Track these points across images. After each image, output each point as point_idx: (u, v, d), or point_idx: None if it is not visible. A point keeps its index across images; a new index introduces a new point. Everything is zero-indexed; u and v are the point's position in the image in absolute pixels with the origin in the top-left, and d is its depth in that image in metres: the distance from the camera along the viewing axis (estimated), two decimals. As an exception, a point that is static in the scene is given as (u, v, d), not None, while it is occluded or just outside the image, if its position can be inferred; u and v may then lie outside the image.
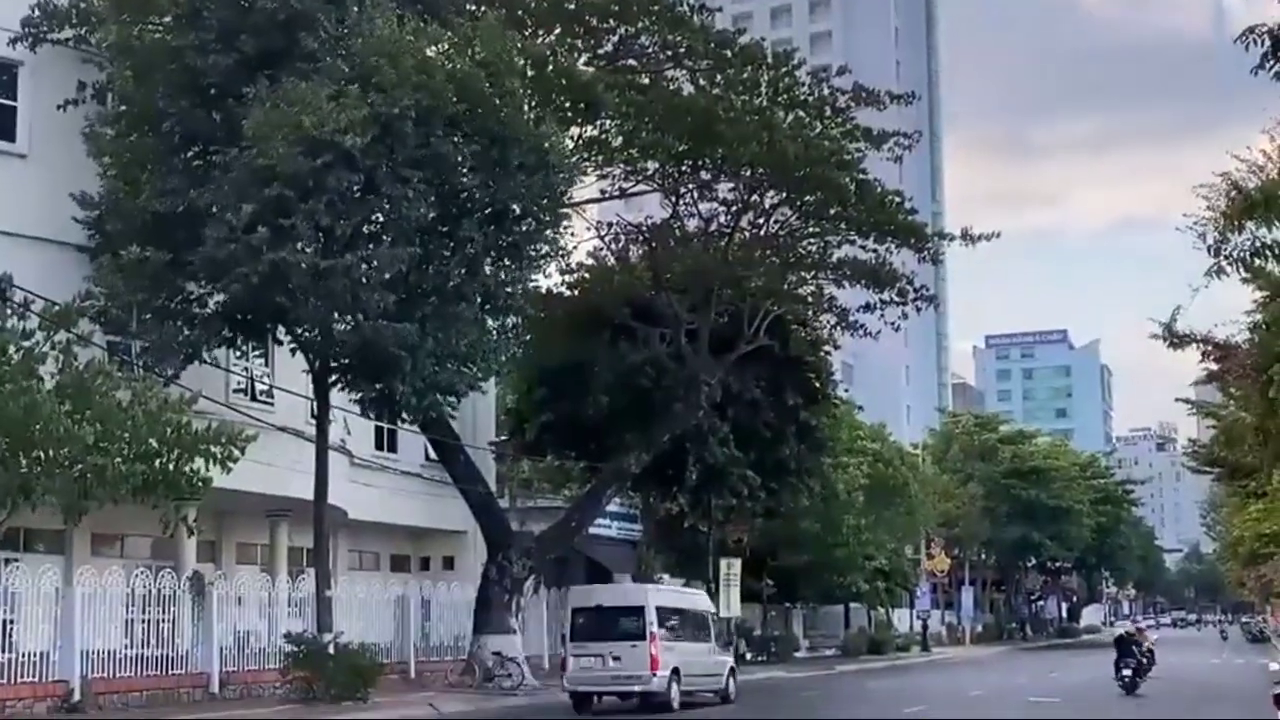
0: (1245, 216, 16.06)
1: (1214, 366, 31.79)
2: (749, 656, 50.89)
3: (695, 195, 39.24)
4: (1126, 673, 34.86)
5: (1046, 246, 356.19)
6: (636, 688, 27.88)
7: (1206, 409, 44.10)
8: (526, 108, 27.05)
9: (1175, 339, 27.83)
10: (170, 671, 26.92)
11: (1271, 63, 14.76)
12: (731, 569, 46.51)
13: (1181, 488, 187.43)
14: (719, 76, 34.98)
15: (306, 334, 25.80)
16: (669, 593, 32.07)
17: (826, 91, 35.86)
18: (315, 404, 28.09)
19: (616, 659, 28.00)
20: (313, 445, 27.91)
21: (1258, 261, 16.47)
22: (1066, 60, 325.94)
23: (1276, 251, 16.32)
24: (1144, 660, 35.74)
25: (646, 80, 35.32)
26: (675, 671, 28.04)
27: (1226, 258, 16.22)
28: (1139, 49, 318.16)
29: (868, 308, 40.65)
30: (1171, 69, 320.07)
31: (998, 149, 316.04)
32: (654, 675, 27.50)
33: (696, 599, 33.60)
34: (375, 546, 40.58)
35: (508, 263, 26.17)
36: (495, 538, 35.53)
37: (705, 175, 37.86)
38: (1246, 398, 27.97)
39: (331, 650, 27.07)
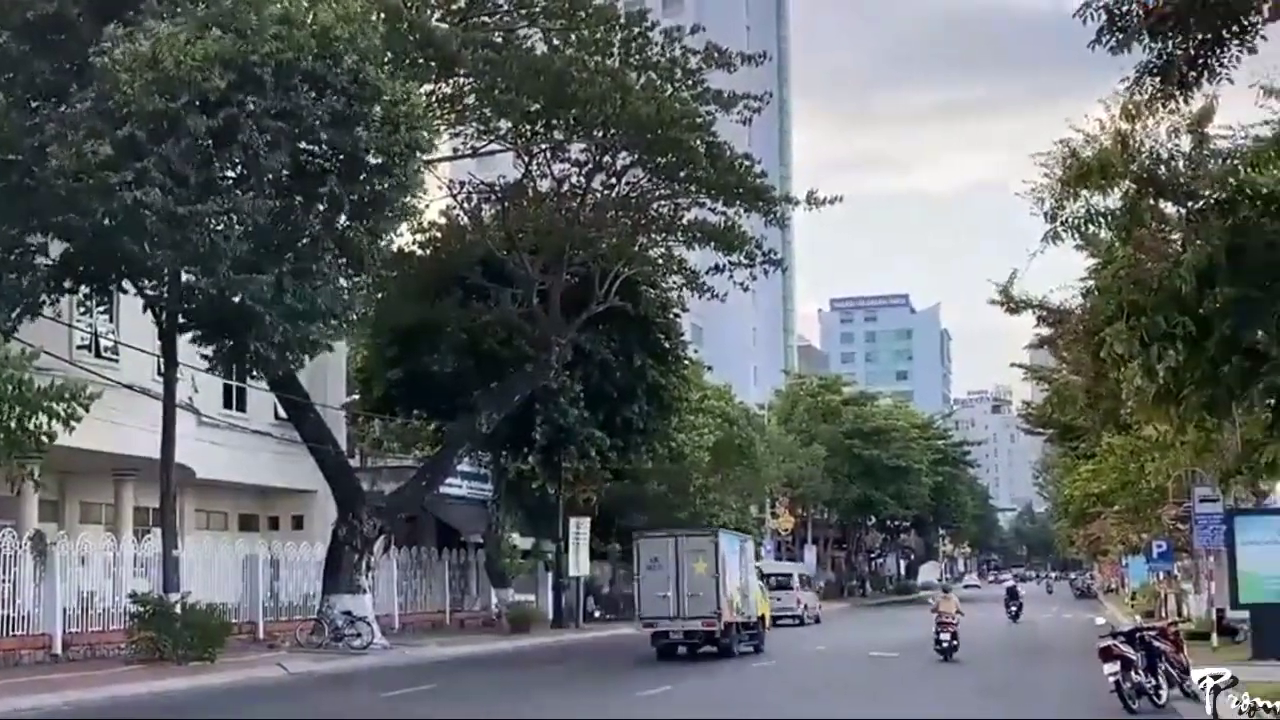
0: (1080, 184, 16.70)
1: (1047, 331, 32.99)
2: (597, 614, 51.49)
3: (548, 155, 39.30)
4: (1014, 609, 52.01)
5: (893, 212, 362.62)
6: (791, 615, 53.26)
7: (1039, 373, 45.72)
8: (382, 63, 26.79)
9: (1012, 304, 28.75)
10: (11, 633, 26.50)
11: (1108, 36, 15.35)
12: (581, 528, 46.88)
13: (1015, 449, 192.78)
14: (572, 36, 35.01)
15: (154, 288, 25.29)
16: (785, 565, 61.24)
17: (679, 52, 36.02)
18: (162, 360, 27.63)
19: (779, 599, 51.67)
20: (159, 403, 27.47)
21: (1090, 228, 17.16)
22: (917, 30, 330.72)
23: (1108, 219, 17.03)
24: (1021, 603, 52.45)
25: (500, 38, 35.20)
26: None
27: (1062, 224, 16.86)
28: (987, 20, 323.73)
29: (717, 269, 41.23)
30: (1021, 40, 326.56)
31: (848, 117, 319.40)
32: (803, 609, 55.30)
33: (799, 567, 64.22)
34: (223, 506, 40.10)
35: (364, 219, 25.97)
36: (345, 497, 35.32)
37: (558, 135, 37.89)
38: (1078, 361, 29.01)
39: (178, 610, 26.81)
